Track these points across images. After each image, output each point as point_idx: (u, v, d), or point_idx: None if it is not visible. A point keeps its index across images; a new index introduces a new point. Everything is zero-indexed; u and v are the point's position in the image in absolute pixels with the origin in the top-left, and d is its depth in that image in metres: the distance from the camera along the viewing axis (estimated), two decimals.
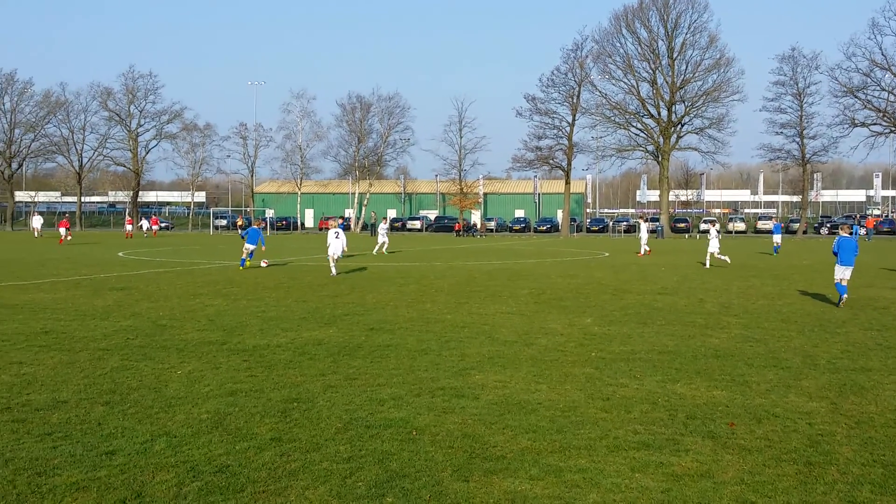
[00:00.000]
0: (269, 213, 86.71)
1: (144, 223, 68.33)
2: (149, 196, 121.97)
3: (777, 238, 39.97)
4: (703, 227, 76.88)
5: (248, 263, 25.18)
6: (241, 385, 8.10)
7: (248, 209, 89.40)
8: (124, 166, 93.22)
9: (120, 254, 35.30)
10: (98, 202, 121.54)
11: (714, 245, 27.98)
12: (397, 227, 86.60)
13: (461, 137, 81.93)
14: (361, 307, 14.79)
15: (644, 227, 36.99)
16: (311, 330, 11.91)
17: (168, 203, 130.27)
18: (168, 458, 5.75)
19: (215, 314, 13.68)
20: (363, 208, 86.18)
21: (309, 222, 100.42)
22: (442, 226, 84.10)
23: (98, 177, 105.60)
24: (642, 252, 35.25)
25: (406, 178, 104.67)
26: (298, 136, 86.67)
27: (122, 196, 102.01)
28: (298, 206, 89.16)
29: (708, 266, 27.20)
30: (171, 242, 52.02)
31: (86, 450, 5.94)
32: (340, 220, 29.44)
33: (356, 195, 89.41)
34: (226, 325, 12.41)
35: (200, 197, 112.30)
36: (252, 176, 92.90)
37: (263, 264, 25.92)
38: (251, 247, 25.40)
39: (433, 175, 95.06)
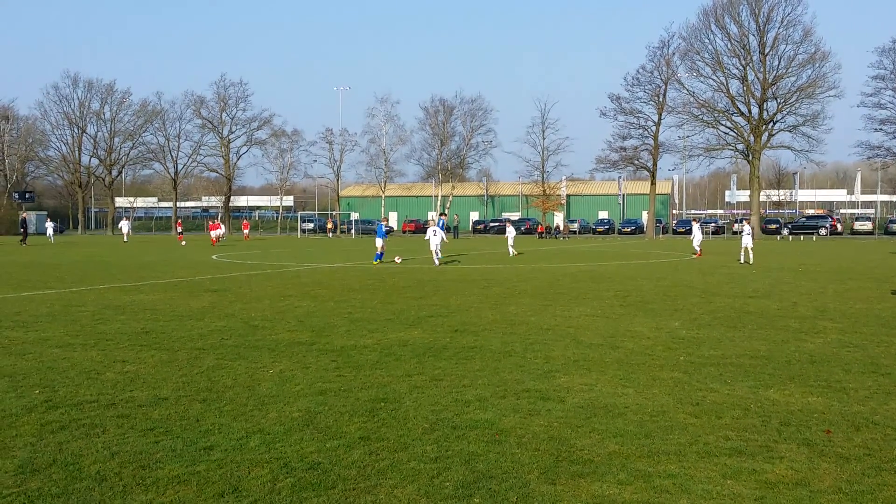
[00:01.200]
0: (355, 216, 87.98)
1: (216, 231, 56.03)
2: (240, 201, 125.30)
3: None
4: (736, 227, 75.07)
5: (378, 261, 28.96)
6: (330, 385, 8.24)
7: (335, 213, 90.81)
8: (217, 172, 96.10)
9: (213, 257, 36.34)
10: (192, 207, 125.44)
11: (747, 241, 29.63)
12: (480, 229, 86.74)
13: (544, 139, 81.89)
14: (445, 309, 14.87)
15: (697, 227, 37.65)
16: (396, 331, 12.04)
17: (258, 207, 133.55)
18: (262, 455, 5.90)
19: (304, 315, 13.95)
20: (446, 211, 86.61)
21: (393, 224, 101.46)
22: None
23: (192, 182, 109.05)
24: (698, 253, 35.69)
25: (488, 181, 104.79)
26: (382, 140, 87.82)
27: (214, 201, 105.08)
28: (383, 209, 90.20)
29: (743, 262, 29.00)
30: (260, 246, 53.29)
31: (185, 445, 6.15)
32: (443, 217, 34.01)
33: (439, 198, 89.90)
34: (314, 325, 12.64)
35: (288, 201, 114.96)
36: (338, 180, 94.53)
37: (397, 260, 30.23)
38: (380, 242, 29.48)
39: (516, 177, 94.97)
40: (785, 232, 73.96)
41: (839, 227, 75.75)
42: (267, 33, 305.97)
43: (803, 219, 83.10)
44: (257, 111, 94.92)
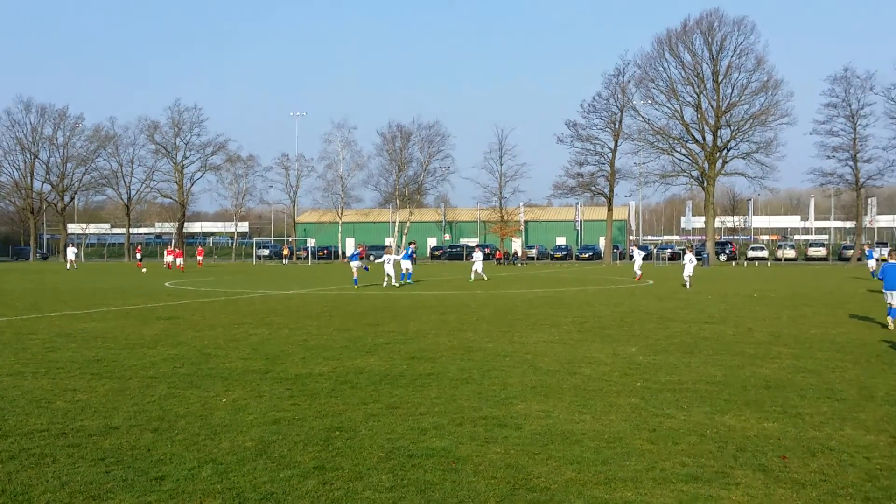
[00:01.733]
0: (311, 243, 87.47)
1: (168, 258, 58.41)
2: (194, 227, 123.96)
3: (871, 263, 40.29)
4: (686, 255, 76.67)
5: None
6: (284, 413, 8.09)
7: (291, 239, 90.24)
8: (170, 198, 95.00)
9: (167, 284, 35.80)
10: (145, 233, 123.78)
11: (689, 269, 31.66)
12: (437, 254, 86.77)
13: (501, 165, 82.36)
14: (403, 336, 14.76)
15: (637, 253, 39.86)
16: (352, 358, 11.90)
17: (213, 233, 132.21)
18: (215, 485, 5.76)
19: (258, 343, 13.74)
20: (404, 237, 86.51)
21: (350, 251, 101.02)
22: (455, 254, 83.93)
23: (145, 208, 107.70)
24: (638, 276, 37.82)
25: (446, 206, 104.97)
26: (339, 166, 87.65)
27: (168, 227, 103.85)
28: (339, 234, 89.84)
29: (688, 287, 30.64)
30: (214, 272, 52.68)
31: (137, 475, 6.01)
32: (412, 245, 39.05)
33: (396, 224, 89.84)
34: (269, 353, 12.45)
35: (244, 227, 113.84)
36: (294, 205, 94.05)
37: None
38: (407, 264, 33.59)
39: (474, 203, 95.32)
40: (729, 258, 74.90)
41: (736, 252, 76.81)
42: (222, 58, 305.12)
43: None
44: (212, 136, 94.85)
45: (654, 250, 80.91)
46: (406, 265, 34.14)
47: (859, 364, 11.42)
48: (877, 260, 39.55)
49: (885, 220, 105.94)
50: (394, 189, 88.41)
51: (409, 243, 41.81)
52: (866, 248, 51.37)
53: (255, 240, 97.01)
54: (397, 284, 32.08)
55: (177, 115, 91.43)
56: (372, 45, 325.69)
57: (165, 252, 61.38)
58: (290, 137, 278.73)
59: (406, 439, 7.04)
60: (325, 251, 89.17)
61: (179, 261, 55.99)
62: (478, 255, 38.25)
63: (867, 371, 10.81)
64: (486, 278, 37.38)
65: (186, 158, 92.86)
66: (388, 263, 32.39)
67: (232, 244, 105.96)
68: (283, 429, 7.44)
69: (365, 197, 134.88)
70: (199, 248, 74.33)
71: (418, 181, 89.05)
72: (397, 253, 35.53)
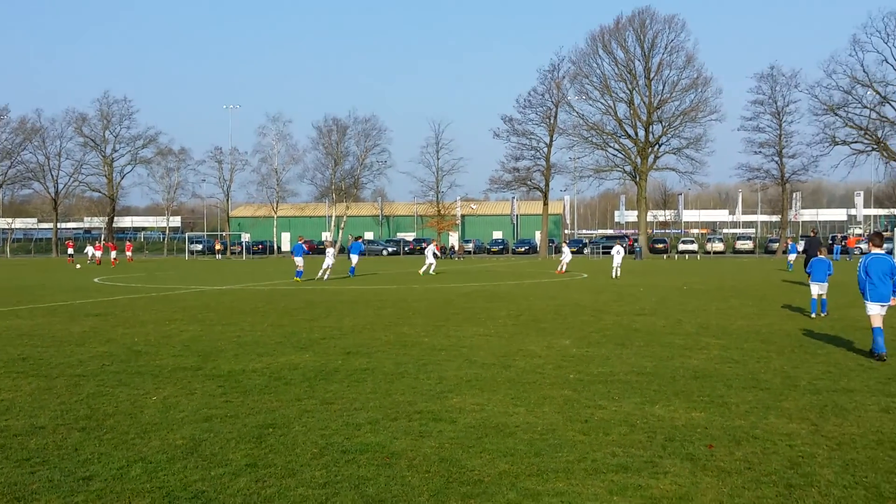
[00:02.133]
0: (245, 238, 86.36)
1: (89, 249, 61.63)
2: (124, 221, 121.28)
3: (792, 257, 41.87)
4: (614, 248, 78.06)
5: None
6: (216, 411, 7.99)
7: (224, 234, 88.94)
8: (99, 192, 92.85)
9: (96, 280, 34.97)
10: (74, 228, 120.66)
11: (617, 259, 34.77)
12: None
13: (438, 159, 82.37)
14: (338, 331, 14.69)
15: (566, 248, 42.35)
16: (286, 354, 11.80)
17: (144, 228, 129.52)
18: (144, 484, 5.67)
19: (190, 340, 13.53)
20: (340, 231, 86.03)
21: (286, 246, 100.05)
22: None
23: (74, 203, 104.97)
24: (561, 269, 39.53)
25: (383, 201, 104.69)
26: (274, 160, 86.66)
27: (97, 222, 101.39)
28: (275, 229, 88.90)
29: (614, 277, 33.27)
30: (146, 268, 51.64)
31: (63, 475, 5.87)
32: (359, 239, 39.84)
33: (333, 218, 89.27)
34: (201, 350, 12.27)
35: (176, 222, 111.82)
36: (228, 200, 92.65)
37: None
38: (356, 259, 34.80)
39: (411, 197, 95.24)
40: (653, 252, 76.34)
41: (635, 245, 78.26)
42: (153, 50, 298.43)
43: (603, 238, 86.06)
44: (142, 129, 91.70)
45: (565, 246, 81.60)
46: (354, 259, 36.19)
47: (783, 354, 11.76)
48: (799, 253, 41.06)
49: (808, 214, 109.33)
50: (330, 183, 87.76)
51: (357, 238, 41.84)
52: (789, 242, 53.00)
53: (187, 235, 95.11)
54: (324, 278, 32.95)
55: (106, 108, 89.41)
56: (307, 38, 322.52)
57: (89, 247, 60.22)
58: (224, 131, 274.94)
59: (340, 435, 7.02)
60: (261, 246, 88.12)
61: (98, 254, 56.29)
62: (431, 249, 39.18)
63: (790, 361, 11.14)
64: (430, 272, 37.65)
65: (116, 152, 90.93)
66: (329, 257, 33.86)
67: (164, 239, 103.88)
68: (214, 426, 7.35)
69: (301, 191, 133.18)
70: (128, 243, 72.76)
71: (355, 175, 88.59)
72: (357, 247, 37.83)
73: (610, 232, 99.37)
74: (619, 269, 34.78)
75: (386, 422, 7.50)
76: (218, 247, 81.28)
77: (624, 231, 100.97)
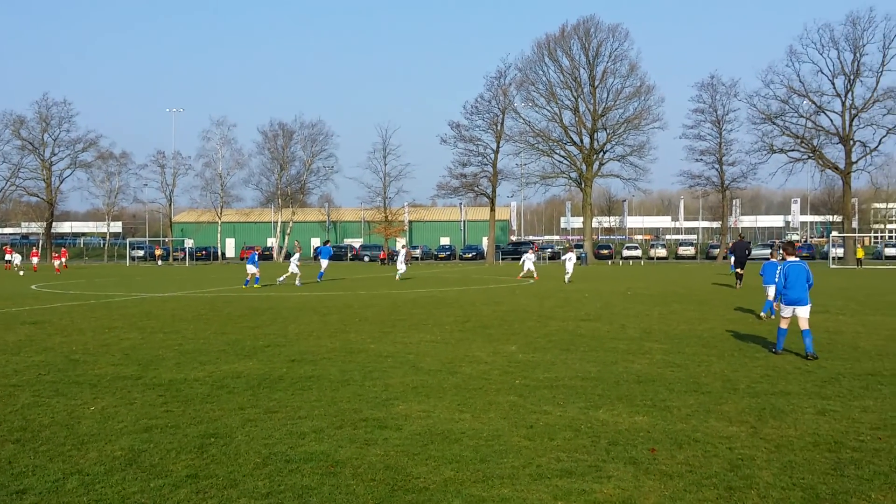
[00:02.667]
0: (188, 243, 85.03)
1: (16, 257, 57.77)
2: (63, 227, 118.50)
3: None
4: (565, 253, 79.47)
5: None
6: (156, 421, 7.83)
7: (167, 239, 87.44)
8: (37, 196, 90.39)
9: (33, 286, 34.10)
10: (11, 234, 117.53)
11: (568, 266, 35.89)
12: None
13: (385, 165, 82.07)
14: (283, 338, 14.53)
15: (528, 256, 40.94)
16: (230, 362, 11.63)
17: (83, 234, 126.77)
18: (80, 498, 5.53)
19: (130, 348, 13.26)
20: (286, 237, 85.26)
21: (230, 252, 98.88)
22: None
23: (10, 207, 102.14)
24: (520, 276, 39.66)
25: (330, 206, 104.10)
26: (218, 164, 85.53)
27: (35, 227, 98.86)
28: (219, 235, 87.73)
29: (568, 282, 34.16)
30: (85, 275, 50.53)
31: None
32: (327, 244, 39.94)
33: (279, 224, 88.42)
34: (141, 358, 12.03)
35: (117, 227, 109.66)
36: (170, 205, 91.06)
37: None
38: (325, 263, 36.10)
39: (358, 203, 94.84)
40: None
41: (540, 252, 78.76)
42: (94, 51, 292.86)
43: (510, 245, 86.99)
44: (82, 132, 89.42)
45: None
46: (324, 264, 37.07)
47: (723, 358, 11.98)
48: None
49: (748, 220, 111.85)
50: (276, 188, 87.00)
51: (325, 242, 42.16)
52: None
53: (128, 240, 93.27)
54: (297, 283, 33.36)
55: (44, 110, 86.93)
56: (252, 42, 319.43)
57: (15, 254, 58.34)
58: (167, 134, 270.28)
59: (284, 444, 6.94)
60: (204, 252, 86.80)
61: (34, 261, 55.35)
62: (400, 257, 39.43)
63: (730, 364, 11.35)
64: (398, 279, 37.74)
65: (55, 155, 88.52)
66: (294, 262, 34.84)
67: (104, 245, 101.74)
68: (154, 437, 7.21)
69: (246, 196, 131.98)
70: (63, 250, 70.94)
71: (301, 180, 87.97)
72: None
73: (514, 239, 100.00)
74: (571, 275, 35.71)
75: (331, 430, 7.43)
76: (158, 252, 79.73)
77: (532, 238, 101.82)
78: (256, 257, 31.73)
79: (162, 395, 9.13)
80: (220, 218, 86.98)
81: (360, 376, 10.37)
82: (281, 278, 34.64)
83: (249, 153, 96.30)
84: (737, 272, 30.34)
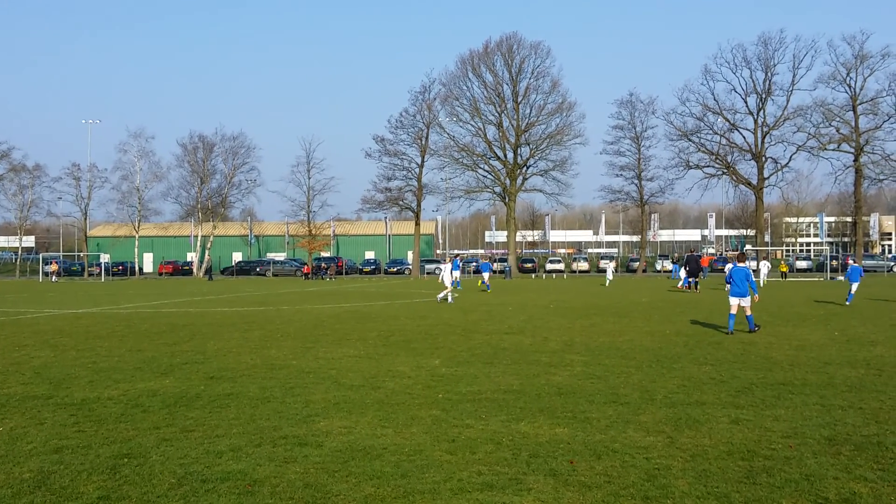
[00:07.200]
0: (105, 258, 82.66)
1: None
2: None
3: (682, 273, 42.55)
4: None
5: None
6: (67, 441, 7.57)
7: (81, 254, 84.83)
8: None
9: None
10: None
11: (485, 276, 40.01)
12: (245, 270, 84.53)
13: (309, 178, 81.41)
14: (202, 355, 14.23)
15: (445, 266, 39.56)
16: (145, 380, 11.33)
17: None
18: None
19: (41, 366, 12.80)
20: (207, 251, 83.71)
21: (148, 267, 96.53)
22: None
23: None
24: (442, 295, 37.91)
25: (253, 220, 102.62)
26: (136, 177, 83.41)
27: None
28: (136, 249, 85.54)
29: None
30: None
31: None
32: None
33: (199, 238, 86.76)
34: (53, 377, 11.62)
35: (29, 241, 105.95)
36: (86, 219, 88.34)
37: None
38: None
39: (281, 216, 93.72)
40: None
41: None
42: (7, 59, 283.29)
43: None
44: None
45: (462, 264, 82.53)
46: (456, 274, 38.77)
47: (641, 369, 12.20)
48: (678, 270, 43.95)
49: (666, 234, 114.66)
50: (196, 202, 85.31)
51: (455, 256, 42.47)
52: (674, 262, 56.09)
53: (42, 255, 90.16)
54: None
55: None
56: (172, 53, 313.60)
57: None
58: (82, 147, 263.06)
59: (200, 463, 6.78)
60: (121, 267, 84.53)
61: None
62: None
63: (648, 375, 11.58)
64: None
65: None
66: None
67: (16, 260, 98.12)
68: (65, 458, 6.96)
69: (164, 210, 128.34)
70: None
71: (222, 194, 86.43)
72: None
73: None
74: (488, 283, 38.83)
75: (249, 448, 7.29)
76: (53, 268, 76.06)
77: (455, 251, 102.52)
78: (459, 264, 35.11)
79: (74, 415, 8.83)
80: (137, 232, 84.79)
81: (281, 393, 10.22)
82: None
83: (168, 166, 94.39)
84: (690, 281, 38.13)
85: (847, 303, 27.91)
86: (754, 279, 18.38)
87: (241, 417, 8.69)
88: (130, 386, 10.84)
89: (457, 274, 40.05)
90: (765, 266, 50.09)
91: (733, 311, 17.50)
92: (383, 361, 13.24)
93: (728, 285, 18.29)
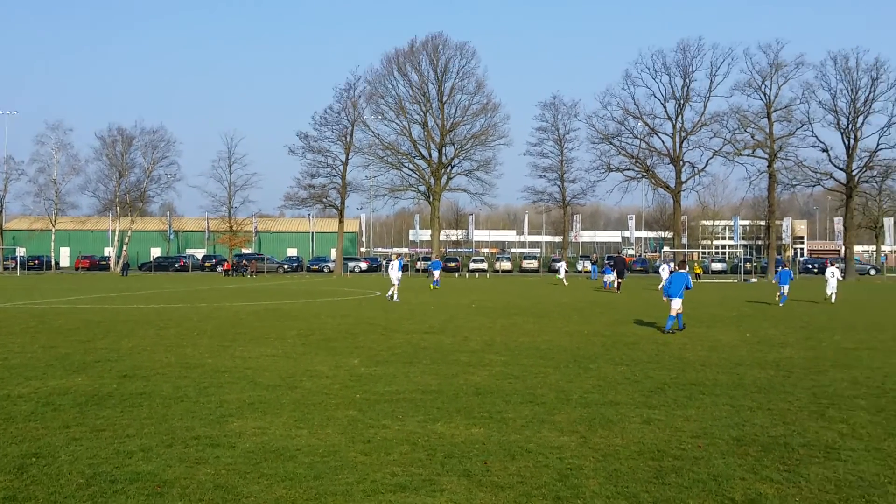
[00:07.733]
0: (20, 252, 79.87)
1: None
2: None
3: (609, 277, 43.19)
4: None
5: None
6: None
7: None
8: None
9: None
10: None
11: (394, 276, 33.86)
12: (164, 266, 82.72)
13: (231, 174, 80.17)
14: (115, 353, 13.91)
15: (392, 264, 38.59)
16: (57, 378, 11.03)
17: None
18: None
19: None
20: (125, 246, 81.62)
21: (64, 261, 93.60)
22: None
23: None
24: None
25: (172, 216, 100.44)
26: (53, 170, 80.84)
27: None
28: (53, 243, 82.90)
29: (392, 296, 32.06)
30: None
31: None
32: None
33: (117, 232, 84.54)
34: None
35: None
36: (1, 211, 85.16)
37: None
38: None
39: (202, 212, 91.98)
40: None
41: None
42: None
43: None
44: None
45: (384, 262, 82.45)
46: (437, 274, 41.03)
47: (559, 369, 12.41)
48: (603, 271, 44.71)
49: (587, 235, 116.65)
50: (114, 196, 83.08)
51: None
52: (606, 265, 57.05)
53: None
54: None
55: None
56: (90, 43, 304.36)
57: None
58: None
59: (110, 464, 6.66)
60: (37, 261, 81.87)
61: None
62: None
63: (565, 375, 11.78)
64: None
65: None
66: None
67: None
68: None
69: (82, 203, 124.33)
70: None
71: (141, 188, 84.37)
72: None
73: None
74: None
75: (160, 449, 7.18)
76: None
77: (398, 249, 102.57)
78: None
79: None
80: (53, 226, 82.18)
81: (195, 392, 10.08)
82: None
83: (86, 159, 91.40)
84: (619, 282, 41.23)
85: (781, 304, 29.45)
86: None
87: (154, 417, 8.55)
88: (42, 384, 10.56)
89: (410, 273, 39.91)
90: (834, 274, 33.04)
91: (673, 312, 18.78)
92: (301, 361, 13.16)
93: (664, 292, 19.58)
